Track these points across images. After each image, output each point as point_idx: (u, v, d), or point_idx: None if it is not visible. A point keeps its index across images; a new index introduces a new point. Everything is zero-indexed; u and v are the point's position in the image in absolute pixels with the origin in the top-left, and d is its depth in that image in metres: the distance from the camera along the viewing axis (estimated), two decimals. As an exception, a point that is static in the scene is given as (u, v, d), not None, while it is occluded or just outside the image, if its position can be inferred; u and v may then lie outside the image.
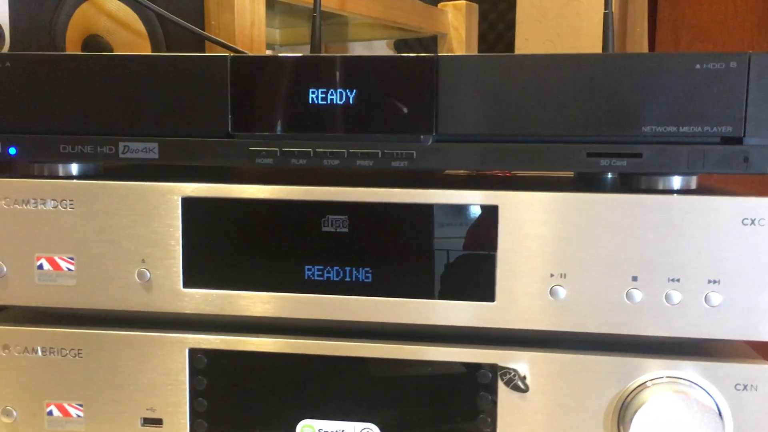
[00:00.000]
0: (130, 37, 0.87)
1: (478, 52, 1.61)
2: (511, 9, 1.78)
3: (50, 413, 0.49)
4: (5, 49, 0.78)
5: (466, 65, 0.44)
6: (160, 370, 0.48)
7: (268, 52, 1.05)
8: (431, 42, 1.76)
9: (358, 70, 0.45)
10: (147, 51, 0.88)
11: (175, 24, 0.86)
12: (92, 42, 0.86)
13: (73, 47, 0.83)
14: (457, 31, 1.55)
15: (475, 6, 1.57)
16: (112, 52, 0.87)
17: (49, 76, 0.47)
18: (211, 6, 0.99)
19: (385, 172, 0.50)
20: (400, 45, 1.89)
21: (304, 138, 0.45)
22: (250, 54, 0.46)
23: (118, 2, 0.86)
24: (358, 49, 1.94)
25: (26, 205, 0.47)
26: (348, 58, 0.45)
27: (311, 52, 0.68)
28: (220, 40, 0.87)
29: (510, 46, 1.79)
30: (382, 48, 1.94)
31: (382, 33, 1.59)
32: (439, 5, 1.54)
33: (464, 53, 1.54)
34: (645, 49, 1.48)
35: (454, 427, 0.46)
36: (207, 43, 0.94)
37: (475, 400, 0.46)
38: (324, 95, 0.45)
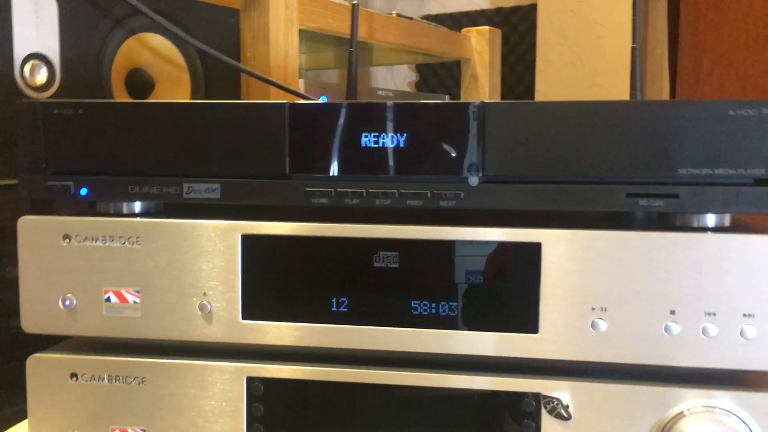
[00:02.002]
0: (171, 71, 0.91)
1: (501, 75, 1.64)
2: (531, 31, 1.81)
3: (115, 438, 0.52)
4: (56, 83, 0.82)
5: (511, 111, 0.46)
6: (220, 397, 0.51)
7: (299, 81, 1.08)
8: (453, 65, 1.79)
9: (408, 116, 0.48)
10: (187, 83, 0.92)
11: (213, 58, 0.90)
12: (136, 75, 0.90)
13: (117, 80, 0.87)
14: (481, 55, 1.58)
15: (498, 31, 1.60)
16: (154, 85, 0.90)
17: (118, 122, 0.50)
18: (247, 38, 1.03)
19: (432, 211, 0.52)
20: (421, 67, 1.92)
21: (357, 179, 0.48)
22: (307, 101, 0.49)
23: (161, 37, 0.90)
24: (380, 72, 1.97)
25: (95, 242, 0.50)
26: (399, 104, 0.48)
27: (347, 91, 0.71)
28: (257, 73, 0.91)
29: (531, 68, 1.81)
30: (404, 70, 1.97)
31: (405, 58, 1.62)
32: (463, 31, 1.57)
33: (488, 77, 1.57)
34: (665, 72, 1.51)
35: (500, 453, 0.48)
36: (243, 75, 0.98)
37: (520, 428, 0.48)
38: (376, 139, 0.48)
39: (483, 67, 1.59)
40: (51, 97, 0.74)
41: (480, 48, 1.58)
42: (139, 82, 0.89)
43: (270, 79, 0.90)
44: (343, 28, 1.15)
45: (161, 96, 0.91)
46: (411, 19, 1.35)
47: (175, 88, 0.91)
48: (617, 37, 1.67)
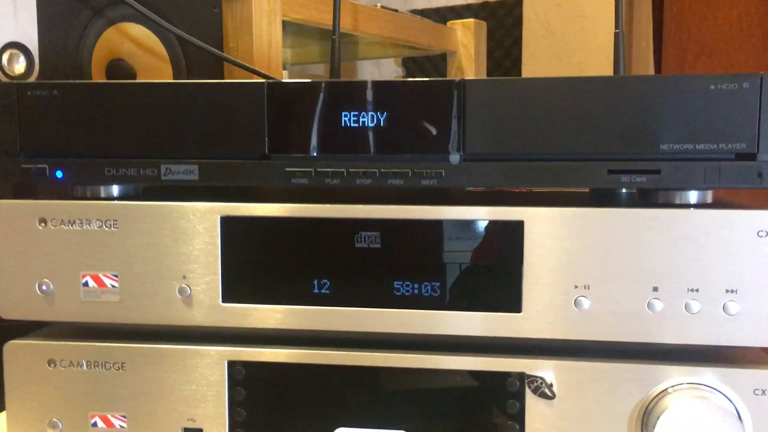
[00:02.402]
0: (153, 61, 0.90)
1: (486, 68, 1.64)
2: (517, 26, 1.81)
3: (95, 424, 0.51)
4: (35, 73, 0.81)
5: (491, 88, 0.46)
6: (201, 381, 0.50)
7: (284, 73, 1.08)
8: (439, 59, 1.79)
9: (388, 94, 0.47)
10: (169, 74, 0.91)
11: (195, 48, 0.89)
12: (116, 66, 0.89)
13: (98, 71, 0.86)
14: (466, 48, 1.58)
15: (484, 24, 1.60)
16: (135, 75, 0.89)
17: (93, 103, 0.49)
18: (229, 29, 1.02)
19: (413, 190, 0.52)
20: (408, 62, 1.92)
21: (337, 159, 0.48)
22: (286, 80, 0.48)
23: (142, 27, 0.89)
24: (366, 67, 1.97)
25: (72, 226, 0.50)
26: (379, 82, 0.47)
27: (331, 74, 0.70)
28: (239, 62, 0.90)
29: (517, 62, 1.81)
30: (390, 65, 1.97)
31: (391, 51, 1.62)
32: (448, 24, 1.56)
33: (473, 70, 1.57)
34: (651, 63, 1.51)
35: (484, 433, 0.48)
36: (226, 65, 0.97)
37: (503, 407, 0.48)
38: (356, 118, 0.47)
39: (468, 60, 1.59)
40: (29, 86, 0.73)
41: (465, 41, 1.58)
42: (120, 72, 0.88)
43: (253, 67, 0.89)
44: (327, 19, 1.14)
45: (142, 86, 0.89)
46: (396, 11, 1.34)
47: (156, 78, 0.90)
48: (602, 30, 1.68)
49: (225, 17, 1.00)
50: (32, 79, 0.79)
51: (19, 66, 0.81)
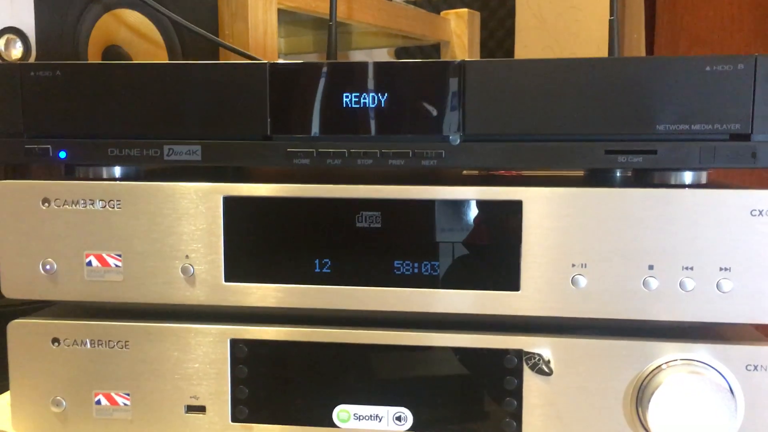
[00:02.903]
0: (149, 48, 0.91)
1: (480, 58, 1.65)
2: (510, 16, 1.82)
3: (98, 402, 0.51)
4: (32, 58, 0.81)
5: (491, 69, 0.47)
6: (203, 360, 0.51)
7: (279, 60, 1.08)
8: (432, 50, 1.80)
9: (389, 76, 0.48)
10: (164, 60, 0.91)
11: (191, 35, 0.89)
12: (112, 52, 0.89)
13: (94, 57, 0.87)
14: (460, 38, 1.58)
15: (477, 14, 1.61)
16: (131, 61, 0.90)
17: (97, 84, 0.50)
18: (225, 16, 1.02)
19: (413, 171, 0.53)
20: (401, 53, 1.92)
21: (338, 139, 0.48)
22: (288, 61, 0.49)
23: (138, 14, 0.89)
24: (359, 57, 1.97)
25: (76, 206, 0.50)
26: (380, 63, 0.48)
27: (328, 58, 0.71)
28: (236, 48, 0.90)
29: (510, 52, 1.82)
30: (383, 56, 1.97)
31: (384, 41, 1.62)
32: (442, 13, 1.57)
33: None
34: (643, 53, 1.52)
35: (483, 408, 0.49)
36: (221, 52, 0.98)
37: (502, 384, 0.48)
38: (357, 99, 0.48)
39: (462, 50, 1.59)
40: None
41: (459, 31, 1.58)
42: (116, 58, 0.88)
43: (249, 53, 0.89)
44: (321, 7, 1.15)
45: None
46: (390, 0, 1.35)
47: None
48: (595, 20, 1.69)
49: (220, 5, 1.00)
50: (29, 64, 0.79)
51: (16, 51, 0.81)
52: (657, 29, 1.42)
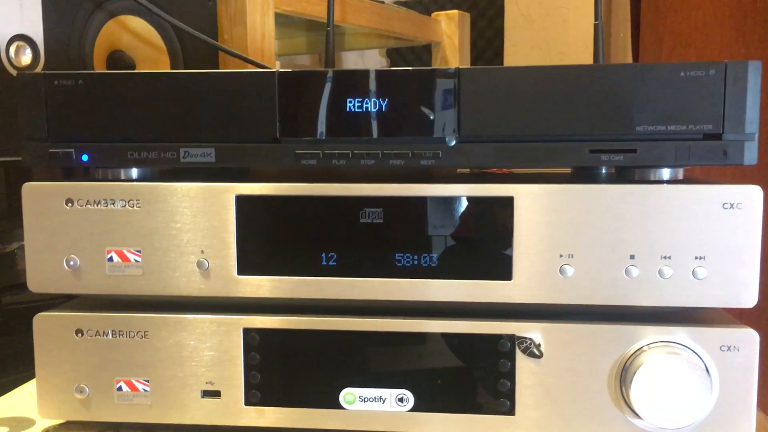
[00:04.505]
0: (151, 53, 0.94)
1: (470, 58, 1.68)
2: (499, 16, 1.85)
3: (120, 389, 0.55)
4: (40, 64, 0.84)
5: (483, 76, 0.51)
6: (218, 348, 0.54)
7: (276, 64, 1.11)
8: (423, 50, 1.83)
9: (390, 82, 0.52)
10: (166, 65, 0.95)
11: (191, 39, 0.92)
12: (116, 57, 0.93)
13: (99, 62, 0.90)
14: (450, 39, 1.62)
15: (467, 15, 1.64)
16: (134, 66, 0.93)
17: (116, 91, 0.53)
18: (224, 21, 1.06)
19: (412, 170, 0.56)
20: (392, 53, 1.96)
21: (343, 141, 0.52)
22: (296, 69, 0.52)
23: (140, 20, 0.92)
24: (351, 58, 2.00)
25: (97, 205, 0.54)
26: (381, 71, 0.52)
27: (325, 63, 0.74)
28: (235, 52, 0.94)
29: (499, 52, 1.86)
30: (374, 56, 2.01)
31: (376, 42, 1.66)
32: (433, 15, 1.60)
33: (457, 60, 1.61)
34: (629, 53, 1.56)
35: (479, 389, 0.53)
36: (221, 57, 1.01)
37: (496, 366, 0.52)
38: (360, 104, 0.52)
39: (453, 51, 1.63)
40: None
41: (450, 32, 1.61)
42: (120, 63, 0.91)
43: (248, 57, 0.93)
44: (316, 11, 1.18)
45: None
46: (382, 2, 1.38)
47: (155, 69, 0.93)
48: (582, 20, 1.73)
49: (219, 10, 1.04)
50: (38, 70, 0.82)
51: (26, 58, 0.84)
52: (642, 30, 1.46)
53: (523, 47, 1.80)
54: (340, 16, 1.28)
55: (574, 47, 1.71)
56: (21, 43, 0.83)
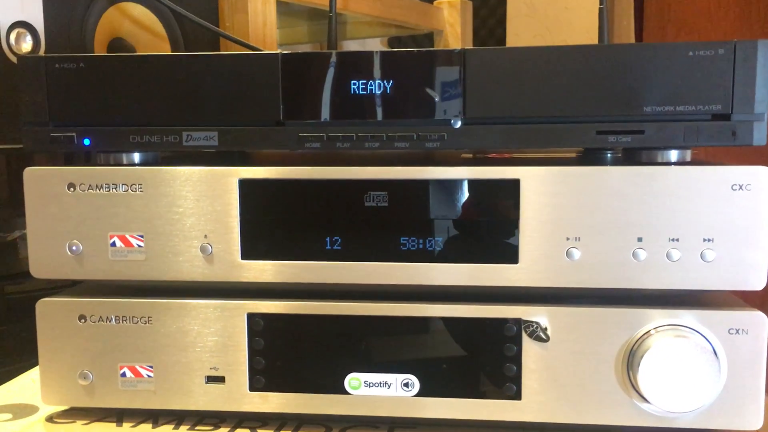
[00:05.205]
0: (152, 40, 0.93)
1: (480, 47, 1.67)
2: (501, 4, 1.84)
3: (123, 375, 0.55)
4: (41, 51, 0.84)
5: (489, 57, 0.50)
6: (222, 333, 0.54)
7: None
8: (425, 39, 1.82)
9: (394, 64, 0.51)
10: (167, 52, 0.94)
11: (192, 27, 0.92)
12: (117, 44, 0.92)
13: (100, 49, 0.89)
14: (453, 27, 1.61)
15: (470, 3, 1.63)
16: (150, 53, 0.92)
17: (118, 74, 0.53)
18: (225, 8, 1.05)
19: (417, 153, 0.56)
20: (394, 42, 1.95)
21: (347, 124, 0.52)
22: (299, 52, 0.52)
23: (141, 7, 0.92)
24: (353, 47, 1.99)
25: (100, 190, 0.53)
26: (385, 53, 0.51)
27: (328, 46, 0.73)
28: (237, 38, 0.93)
29: (501, 41, 1.85)
30: (376, 45, 2.00)
31: (378, 31, 1.65)
32: (435, 3, 1.60)
33: (460, 48, 1.60)
34: (632, 40, 1.55)
35: (485, 374, 0.52)
36: (222, 43, 1.00)
37: (502, 350, 0.52)
38: (364, 86, 0.51)
39: (455, 39, 1.62)
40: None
41: (452, 20, 1.61)
42: (121, 51, 0.91)
43: (250, 44, 0.92)
44: (317, -1, 1.18)
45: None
46: (384, -11, 1.37)
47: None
48: (584, 9, 1.72)
49: (220, -3, 1.03)
50: (39, 57, 0.81)
51: (26, 44, 0.83)
52: (645, 16, 1.46)
53: (526, 36, 1.79)
54: (342, 3, 1.27)
55: (577, 35, 1.70)
56: (21, 30, 0.83)
